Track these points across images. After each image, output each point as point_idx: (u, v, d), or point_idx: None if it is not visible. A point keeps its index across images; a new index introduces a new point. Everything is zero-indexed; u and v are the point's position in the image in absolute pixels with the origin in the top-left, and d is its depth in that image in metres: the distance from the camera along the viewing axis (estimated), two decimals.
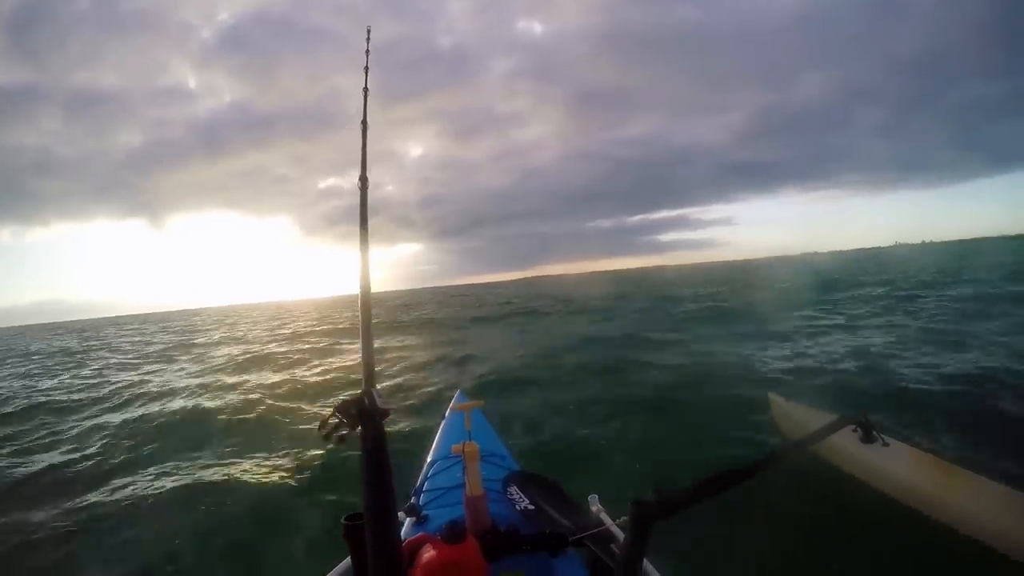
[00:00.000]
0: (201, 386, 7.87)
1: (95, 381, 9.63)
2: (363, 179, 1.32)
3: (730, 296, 17.80)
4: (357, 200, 1.26)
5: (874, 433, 2.69)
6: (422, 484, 1.93)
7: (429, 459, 2.21)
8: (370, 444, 0.75)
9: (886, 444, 2.66)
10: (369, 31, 1.90)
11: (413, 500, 1.73)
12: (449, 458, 2.00)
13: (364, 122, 1.55)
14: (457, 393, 3.38)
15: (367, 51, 1.83)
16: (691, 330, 9.73)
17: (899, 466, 2.54)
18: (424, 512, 1.64)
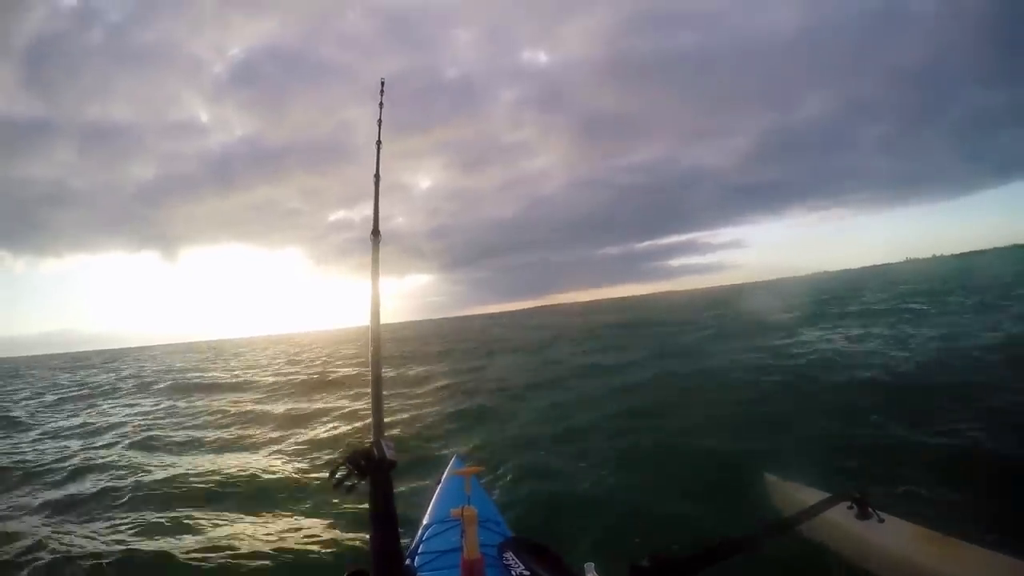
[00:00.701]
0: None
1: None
2: (374, 232, 1.26)
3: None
4: (368, 246, 1.21)
5: (870, 510, 2.66)
6: (417, 546, 1.97)
7: (425, 522, 2.22)
8: (379, 496, 0.76)
9: (882, 520, 2.62)
10: (383, 84, 1.82)
11: (408, 561, 1.74)
12: (446, 521, 2.02)
13: (377, 175, 1.49)
14: (454, 458, 3.38)
15: (380, 104, 1.76)
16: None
17: (896, 542, 2.50)
18: (420, 575, 1.67)
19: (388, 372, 12.24)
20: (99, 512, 4.70)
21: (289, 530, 3.87)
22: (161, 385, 15.88)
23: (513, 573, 1.59)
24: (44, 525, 4.43)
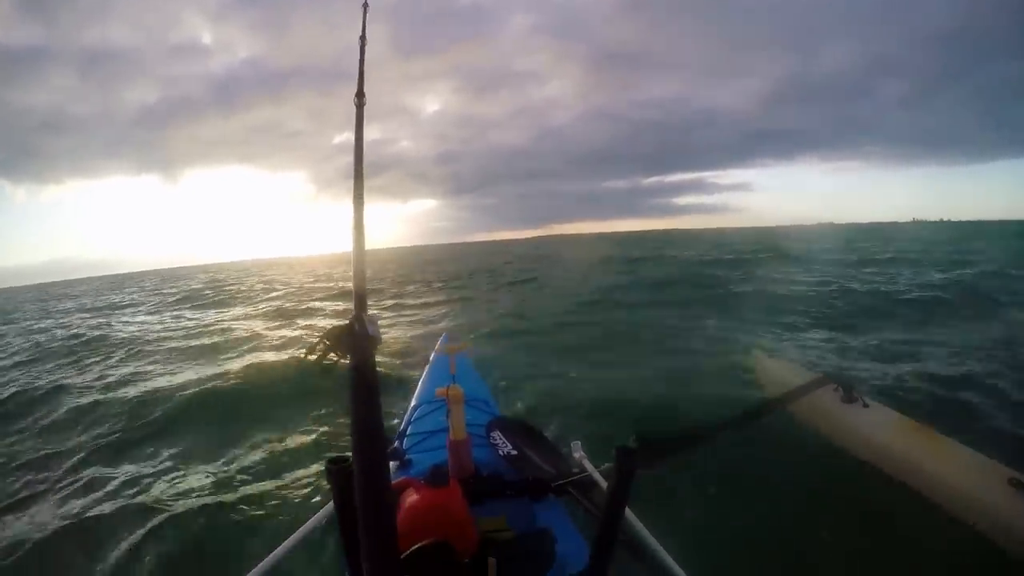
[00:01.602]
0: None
1: None
2: (360, 95, 1.26)
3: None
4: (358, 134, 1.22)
5: (855, 394, 2.67)
6: (406, 427, 1.95)
7: (413, 402, 2.20)
8: (360, 374, 0.69)
9: (866, 405, 2.65)
10: (366, 6, 1.77)
11: (396, 444, 1.74)
12: (433, 402, 2.00)
13: (363, 38, 1.52)
14: (443, 336, 3.33)
15: (363, 26, 1.71)
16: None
17: (878, 428, 2.54)
18: (407, 456, 1.66)
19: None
20: None
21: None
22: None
23: (500, 452, 1.58)
24: None
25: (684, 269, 13.84)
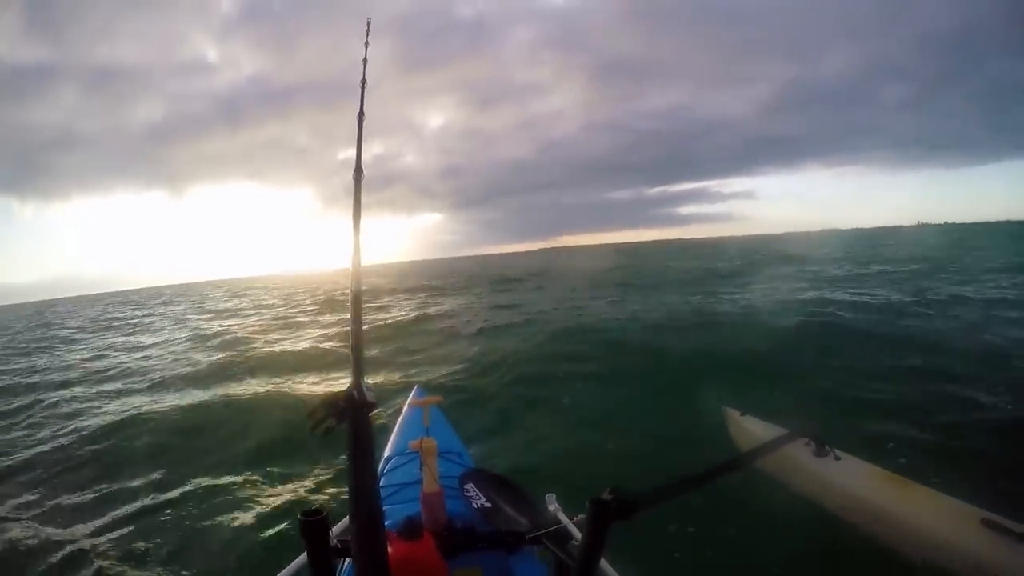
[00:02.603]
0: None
1: None
2: (358, 171, 1.26)
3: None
4: (356, 197, 1.18)
5: (826, 447, 2.74)
6: (379, 479, 1.93)
7: (386, 454, 2.22)
8: (357, 439, 0.74)
9: (838, 458, 2.71)
10: (369, 23, 1.85)
11: None
12: (406, 454, 2.00)
13: (361, 114, 1.49)
14: (415, 388, 3.35)
15: (366, 43, 1.78)
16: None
17: (849, 480, 2.59)
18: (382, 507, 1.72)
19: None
20: None
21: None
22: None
23: (474, 504, 1.58)
24: None
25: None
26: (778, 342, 6.23)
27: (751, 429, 3.18)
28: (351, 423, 0.79)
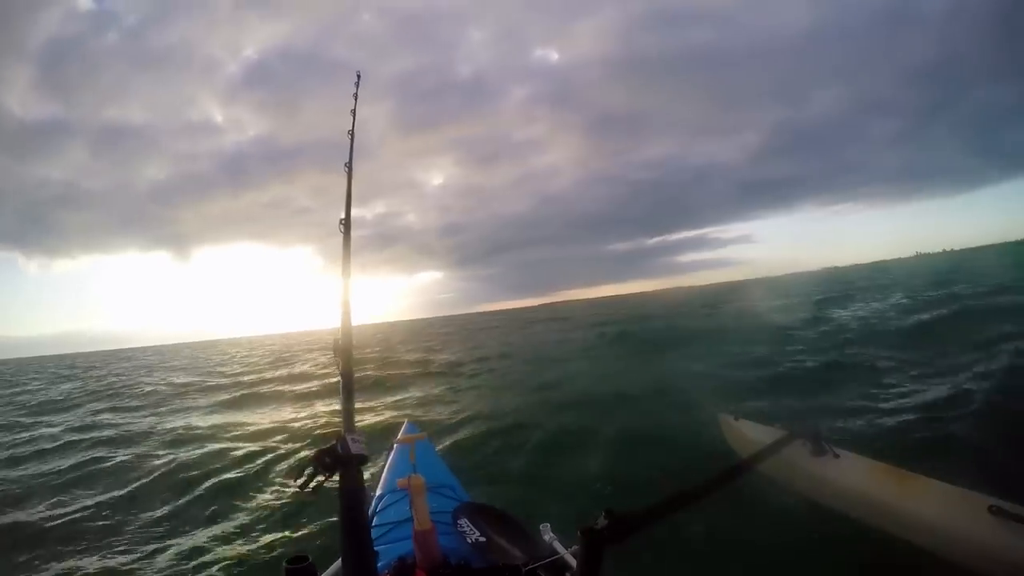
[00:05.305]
0: None
1: None
2: (346, 223, 1.30)
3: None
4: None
5: (824, 445, 2.70)
6: (371, 519, 1.97)
7: (377, 493, 2.19)
8: (347, 491, 0.75)
9: (836, 456, 2.66)
10: (359, 76, 1.92)
11: None
12: (396, 492, 1.96)
13: (349, 165, 1.53)
14: (405, 424, 3.30)
15: (355, 95, 1.84)
16: None
17: (850, 477, 2.55)
18: (376, 548, 1.69)
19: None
20: None
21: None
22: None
23: (468, 539, 1.56)
24: None
25: None
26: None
27: (747, 433, 3.15)
28: (341, 476, 0.78)
